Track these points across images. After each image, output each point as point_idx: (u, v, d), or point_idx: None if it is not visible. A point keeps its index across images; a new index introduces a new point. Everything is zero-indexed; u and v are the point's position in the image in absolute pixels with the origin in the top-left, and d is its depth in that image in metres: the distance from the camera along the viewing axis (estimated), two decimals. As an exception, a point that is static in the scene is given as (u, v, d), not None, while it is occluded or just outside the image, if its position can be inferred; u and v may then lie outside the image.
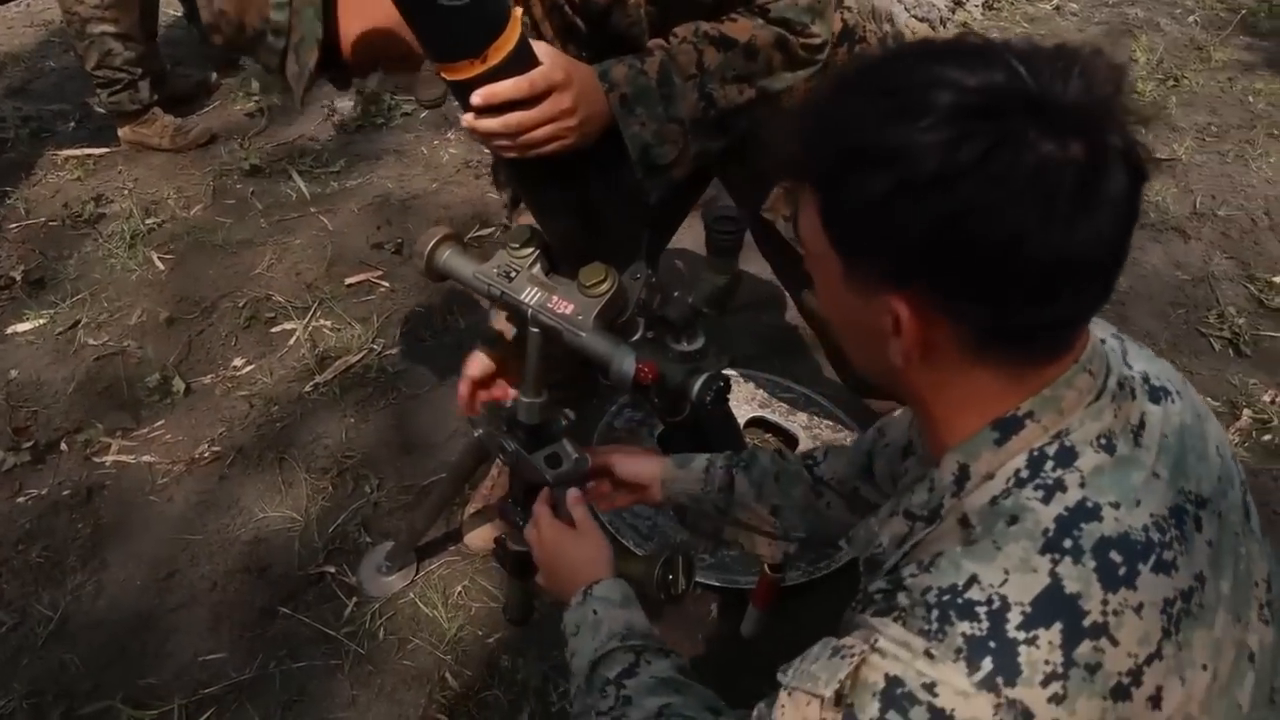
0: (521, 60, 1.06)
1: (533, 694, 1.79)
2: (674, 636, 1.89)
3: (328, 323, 2.64)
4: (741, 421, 2.24)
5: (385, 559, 1.99)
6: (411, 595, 1.97)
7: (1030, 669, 0.67)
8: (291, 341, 2.59)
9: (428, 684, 1.82)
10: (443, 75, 1.03)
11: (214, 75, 3.72)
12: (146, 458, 2.27)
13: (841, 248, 0.76)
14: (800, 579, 1.86)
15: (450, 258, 1.42)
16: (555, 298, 1.35)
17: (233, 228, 3.00)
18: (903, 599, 0.74)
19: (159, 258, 2.87)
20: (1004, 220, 0.67)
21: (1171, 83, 3.86)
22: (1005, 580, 0.70)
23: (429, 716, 1.77)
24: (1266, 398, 2.43)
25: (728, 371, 2.23)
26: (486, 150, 1.37)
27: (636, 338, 1.32)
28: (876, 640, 0.72)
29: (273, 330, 2.63)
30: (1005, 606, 0.69)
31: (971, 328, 0.73)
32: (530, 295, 1.36)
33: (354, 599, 1.96)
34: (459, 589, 1.97)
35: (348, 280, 2.79)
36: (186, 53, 3.86)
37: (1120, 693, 0.68)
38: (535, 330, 1.38)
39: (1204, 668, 0.74)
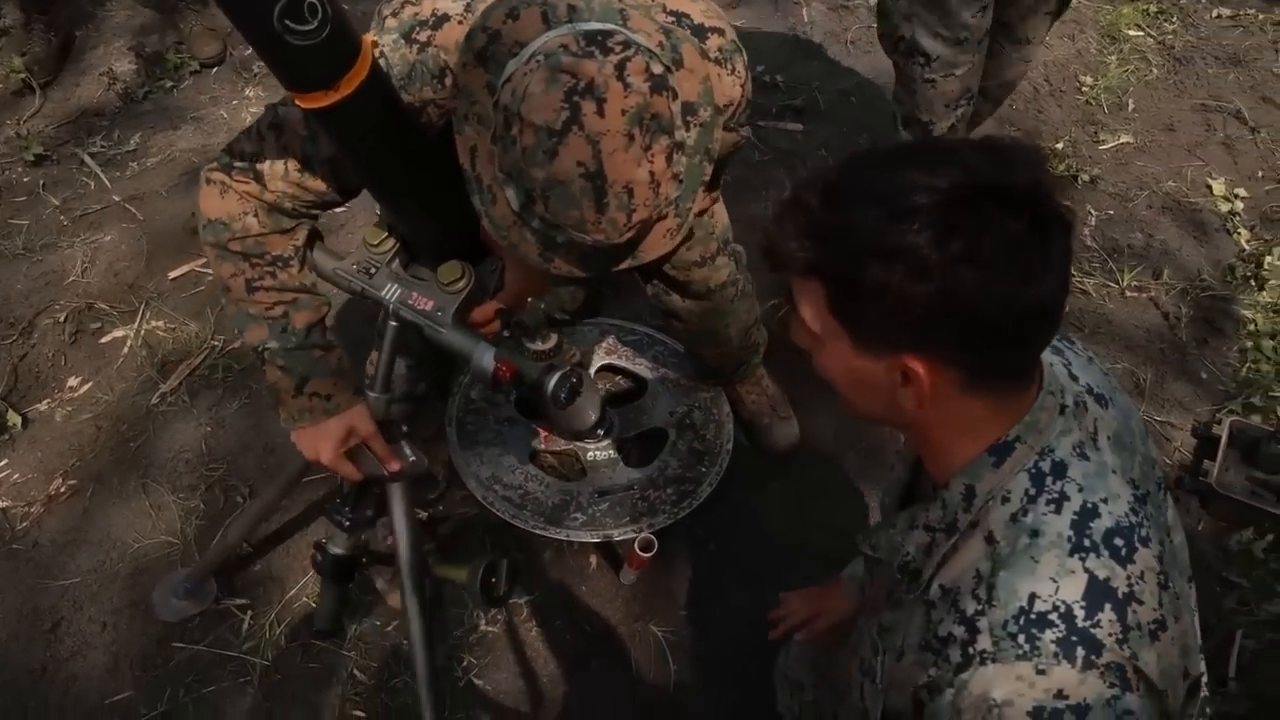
0: (376, 87, 1.11)
1: (440, 674, 1.92)
2: (560, 588, 2.06)
3: (160, 324, 2.57)
4: (591, 370, 2.36)
5: (184, 581, 1.99)
6: (305, 599, 2.05)
7: (1107, 639, 0.87)
8: (125, 351, 2.52)
9: (338, 682, 1.94)
10: (298, 103, 1.07)
11: (-36, 49, 3.37)
12: (-1, 504, 2.22)
13: (852, 326, 0.91)
14: (666, 521, 2.03)
15: (313, 255, 1.48)
16: (415, 294, 1.43)
17: (31, 230, 2.82)
18: (984, 642, 0.89)
19: (-45, 277, 2.70)
20: (992, 289, 0.83)
21: (954, -57, 3.98)
22: (1057, 588, 0.89)
23: (344, 714, 1.90)
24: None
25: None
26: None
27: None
28: (993, 696, 0.87)
29: (102, 341, 2.55)
30: (1069, 608, 0.88)
31: (967, 371, 0.90)
32: (390, 292, 1.44)
33: (249, 614, 2.02)
34: (350, 585, 2.05)
35: (171, 274, 2.69)
36: (-74, 24, 3.48)
37: (1155, 635, 0.90)
38: (394, 324, 1.45)
39: (1191, 609, 0.97)
